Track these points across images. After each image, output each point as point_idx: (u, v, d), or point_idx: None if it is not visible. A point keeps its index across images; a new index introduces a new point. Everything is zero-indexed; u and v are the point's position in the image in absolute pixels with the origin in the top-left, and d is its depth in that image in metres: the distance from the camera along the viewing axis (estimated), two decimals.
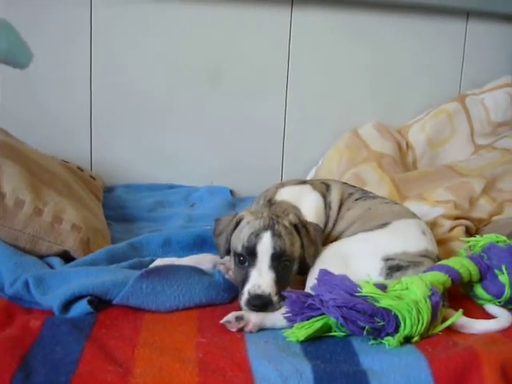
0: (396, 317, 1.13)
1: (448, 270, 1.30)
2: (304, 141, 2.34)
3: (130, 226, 1.89)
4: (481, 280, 1.37)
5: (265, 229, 1.34)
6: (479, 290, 1.36)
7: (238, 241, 1.36)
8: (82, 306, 1.19)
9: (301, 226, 1.40)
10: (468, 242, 1.54)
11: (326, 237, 1.50)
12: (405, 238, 1.40)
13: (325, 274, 1.22)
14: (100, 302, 1.23)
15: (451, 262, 1.33)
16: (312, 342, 1.14)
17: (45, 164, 1.72)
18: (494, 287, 1.34)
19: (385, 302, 1.14)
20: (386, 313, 1.13)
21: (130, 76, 2.23)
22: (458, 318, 1.20)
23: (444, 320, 1.21)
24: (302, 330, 1.13)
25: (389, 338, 1.12)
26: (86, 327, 1.14)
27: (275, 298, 1.27)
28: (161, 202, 2.12)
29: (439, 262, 1.35)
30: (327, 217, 1.53)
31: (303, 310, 1.17)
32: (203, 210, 2.05)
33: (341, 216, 1.53)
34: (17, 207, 1.46)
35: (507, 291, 1.32)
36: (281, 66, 2.31)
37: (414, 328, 1.14)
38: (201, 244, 1.63)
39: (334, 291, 1.15)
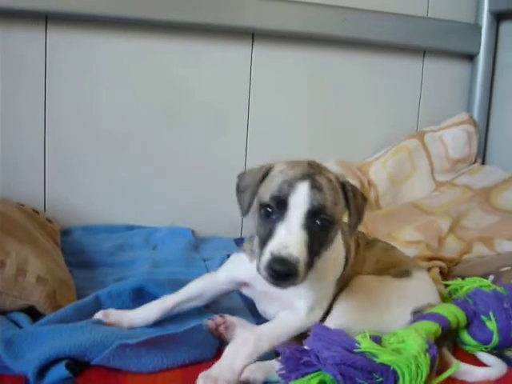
0: (395, 372, 1.09)
1: (438, 319, 1.28)
2: None
3: (91, 272, 1.79)
4: (467, 326, 1.35)
5: (302, 178, 1.13)
6: (466, 337, 1.35)
7: (267, 191, 1.15)
8: (60, 371, 1.10)
9: (349, 188, 1.20)
10: (449, 285, 1.55)
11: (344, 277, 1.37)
12: (427, 289, 1.39)
13: (321, 328, 1.16)
14: (77, 364, 1.14)
15: (440, 310, 1.32)
16: None
17: (2, 210, 1.62)
18: (481, 334, 1.33)
19: (384, 357, 1.10)
20: (384, 368, 1.09)
21: (85, 115, 2.14)
22: (456, 369, 1.17)
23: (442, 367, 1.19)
24: None
25: None
26: None
27: (302, 269, 1.07)
28: (121, 245, 2.02)
29: (429, 310, 1.32)
30: (347, 258, 1.38)
31: (298, 366, 1.10)
32: (166, 254, 1.97)
33: (361, 257, 1.43)
34: None
35: (495, 338, 1.31)
36: (241, 104, 2.29)
37: (413, 383, 1.10)
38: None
39: (332, 347, 1.09)
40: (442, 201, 2.23)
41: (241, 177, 1.29)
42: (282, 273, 1.05)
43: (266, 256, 1.07)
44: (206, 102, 2.25)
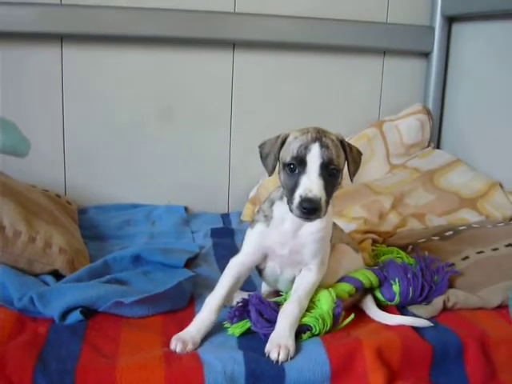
0: (307, 325, 1.55)
1: (353, 281, 1.72)
2: (246, 164, 2.72)
3: (102, 243, 2.23)
4: (379, 286, 1.77)
5: (313, 141, 1.45)
6: (378, 294, 1.76)
7: (288, 153, 1.48)
8: (76, 315, 1.56)
9: (346, 144, 1.55)
10: (374, 250, 2.02)
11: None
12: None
13: (259, 300, 1.59)
14: (88, 311, 1.60)
15: (357, 274, 1.74)
16: (245, 338, 1.53)
17: (32, 197, 2.08)
18: (387, 293, 1.75)
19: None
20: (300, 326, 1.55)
21: (97, 113, 2.61)
22: (349, 320, 1.60)
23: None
24: (238, 328, 1.54)
25: (302, 335, 1.53)
26: (80, 331, 1.51)
27: (323, 205, 1.42)
28: (127, 220, 2.47)
29: (348, 274, 1.74)
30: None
31: (241, 316, 1.57)
32: (162, 228, 2.42)
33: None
34: (15, 237, 1.82)
35: (397, 298, 1.73)
36: (226, 103, 2.72)
37: (320, 331, 1.54)
38: (165, 258, 1.97)
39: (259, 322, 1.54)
40: (390, 182, 2.61)
41: (262, 146, 1.60)
42: (311, 209, 1.41)
43: (297, 199, 1.42)
44: (196, 101, 2.69)
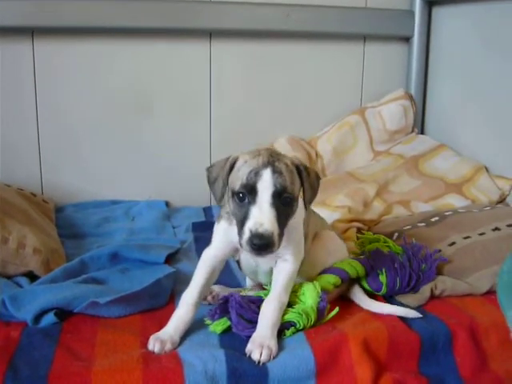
0: (291, 322, 1.50)
1: (339, 272, 1.67)
2: (227, 155, 2.67)
3: (80, 242, 2.18)
4: (366, 276, 1.73)
5: (264, 166, 1.33)
6: (365, 285, 1.72)
7: (237, 180, 1.35)
8: (50, 318, 1.51)
9: (302, 169, 1.42)
10: (360, 238, 1.97)
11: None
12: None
13: (238, 304, 1.50)
14: (63, 312, 1.54)
15: (342, 265, 1.70)
16: (226, 336, 1.48)
17: (5, 196, 2.02)
18: (374, 283, 1.70)
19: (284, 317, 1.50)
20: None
21: (72, 107, 2.54)
22: (333, 314, 1.55)
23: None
24: (219, 326, 1.49)
25: (285, 331, 1.48)
26: (54, 334, 1.46)
27: (276, 239, 1.31)
28: (106, 217, 2.41)
29: (334, 265, 1.70)
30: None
31: (222, 313, 1.51)
32: (142, 224, 2.36)
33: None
34: None
35: (384, 288, 1.69)
36: (204, 92, 2.66)
37: (305, 326, 1.49)
38: (144, 254, 1.93)
39: (241, 323, 1.48)
40: (374, 169, 2.59)
41: (209, 170, 1.47)
42: (262, 245, 1.29)
43: (246, 234, 1.31)
44: (174, 94, 2.64)
